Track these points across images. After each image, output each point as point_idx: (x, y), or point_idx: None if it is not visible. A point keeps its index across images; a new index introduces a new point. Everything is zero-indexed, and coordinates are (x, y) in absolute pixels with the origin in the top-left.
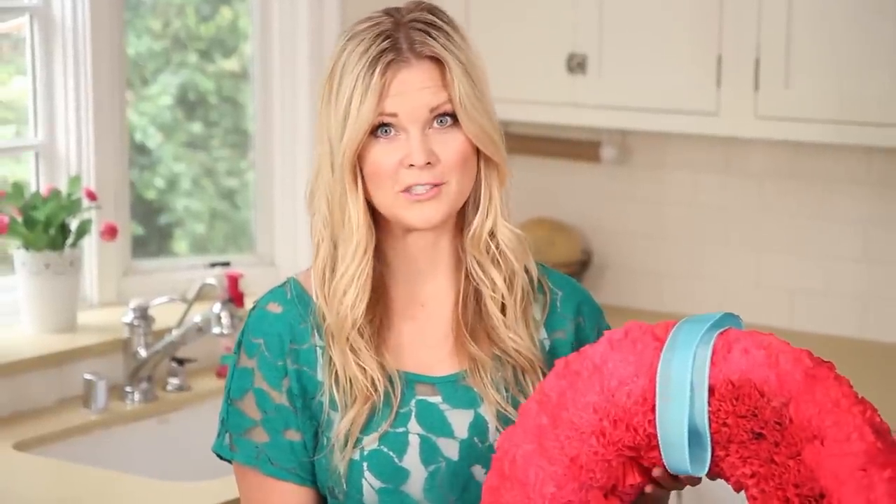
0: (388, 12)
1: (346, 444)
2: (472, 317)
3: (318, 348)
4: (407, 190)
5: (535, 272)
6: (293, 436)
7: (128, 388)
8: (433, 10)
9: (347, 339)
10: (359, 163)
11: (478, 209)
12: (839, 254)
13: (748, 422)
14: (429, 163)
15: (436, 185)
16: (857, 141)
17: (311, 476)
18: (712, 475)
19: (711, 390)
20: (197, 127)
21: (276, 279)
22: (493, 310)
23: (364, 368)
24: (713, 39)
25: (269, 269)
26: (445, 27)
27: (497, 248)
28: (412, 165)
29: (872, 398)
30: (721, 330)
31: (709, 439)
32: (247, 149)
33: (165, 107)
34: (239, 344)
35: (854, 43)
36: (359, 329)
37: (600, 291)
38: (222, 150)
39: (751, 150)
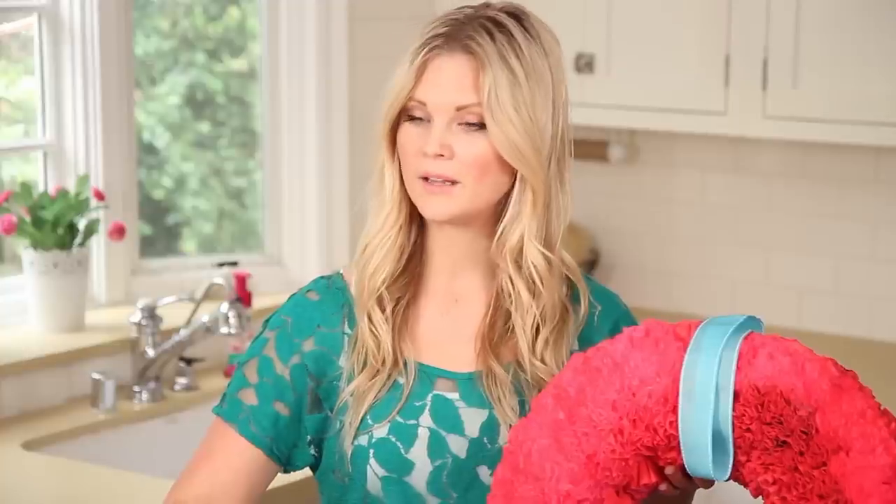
0: (480, 5)
1: (353, 413)
2: (500, 328)
3: (345, 335)
4: (423, 179)
5: (584, 299)
6: (281, 409)
7: (136, 388)
8: (518, 15)
9: (366, 306)
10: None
11: (509, 232)
12: (848, 253)
13: (773, 429)
14: (441, 155)
15: (450, 183)
16: (866, 141)
17: (282, 454)
18: (731, 479)
19: (736, 395)
20: (205, 126)
21: (285, 279)
22: (519, 330)
23: (376, 339)
24: (721, 39)
25: (277, 269)
26: (516, 33)
27: (528, 270)
28: (426, 154)
29: (882, 399)
30: (745, 333)
31: (731, 444)
32: (255, 148)
33: (173, 106)
34: (267, 320)
35: (862, 42)
36: (379, 300)
37: None
38: (230, 149)
39: (759, 150)
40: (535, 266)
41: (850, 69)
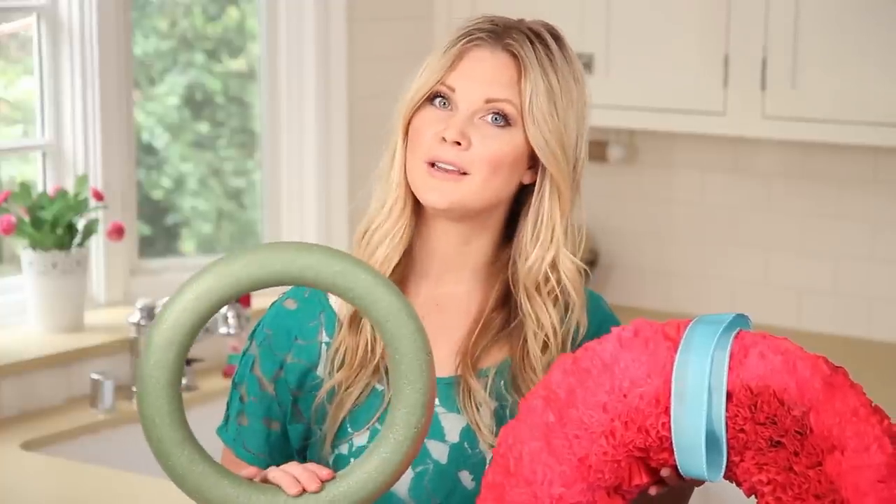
0: (517, 20)
1: (331, 420)
2: (487, 341)
3: (323, 345)
4: (431, 163)
5: (583, 321)
6: (270, 424)
7: (135, 388)
8: (557, 36)
9: None
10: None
11: (538, 240)
12: (847, 253)
13: (766, 429)
14: (458, 143)
15: (460, 172)
16: (864, 141)
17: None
18: (724, 478)
19: (729, 396)
20: (204, 127)
21: None
22: (533, 345)
23: (365, 336)
24: (720, 39)
25: None
26: (554, 50)
27: (557, 282)
28: (444, 139)
29: (880, 399)
30: (735, 332)
31: (725, 445)
32: (254, 148)
33: (172, 107)
34: (252, 333)
35: (861, 43)
36: None
37: (607, 291)
38: (229, 149)
39: (758, 150)
40: (567, 276)
41: (849, 69)
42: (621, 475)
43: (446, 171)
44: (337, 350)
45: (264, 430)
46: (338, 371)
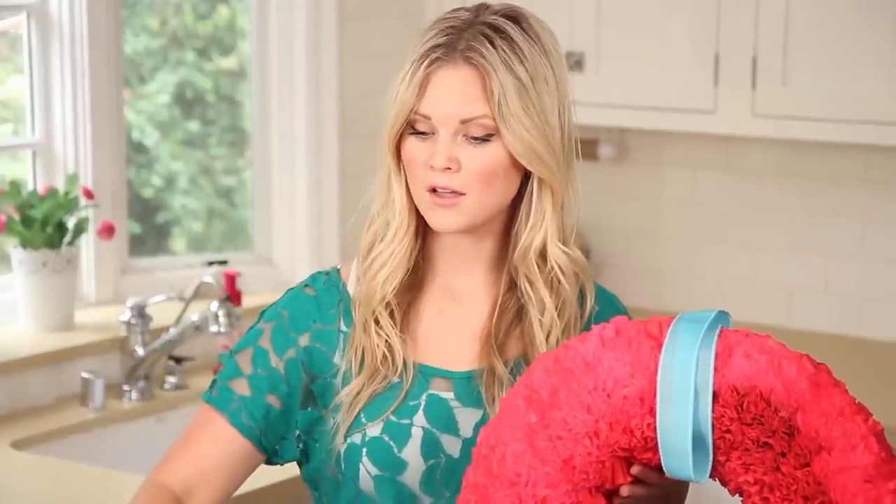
0: (476, 7)
1: (347, 412)
2: (506, 326)
3: (340, 333)
4: (431, 190)
5: (590, 297)
6: (273, 401)
7: (125, 387)
8: (516, 17)
9: (373, 312)
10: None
11: (528, 226)
12: (838, 252)
13: (753, 430)
14: (448, 168)
15: (457, 194)
16: (855, 139)
17: (269, 446)
18: (709, 477)
19: (714, 396)
20: (194, 125)
21: (274, 277)
22: (538, 332)
23: (380, 340)
24: (711, 38)
25: (267, 268)
26: (516, 37)
27: (551, 269)
28: (434, 167)
29: (871, 397)
30: (718, 330)
31: (711, 446)
32: (244, 147)
33: (163, 105)
34: (262, 312)
35: (851, 41)
36: (386, 305)
37: None
38: (220, 148)
39: (749, 148)
40: (558, 265)
41: (839, 67)
42: (605, 475)
43: (447, 195)
44: (355, 352)
45: (266, 406)
46: (358, 373)
